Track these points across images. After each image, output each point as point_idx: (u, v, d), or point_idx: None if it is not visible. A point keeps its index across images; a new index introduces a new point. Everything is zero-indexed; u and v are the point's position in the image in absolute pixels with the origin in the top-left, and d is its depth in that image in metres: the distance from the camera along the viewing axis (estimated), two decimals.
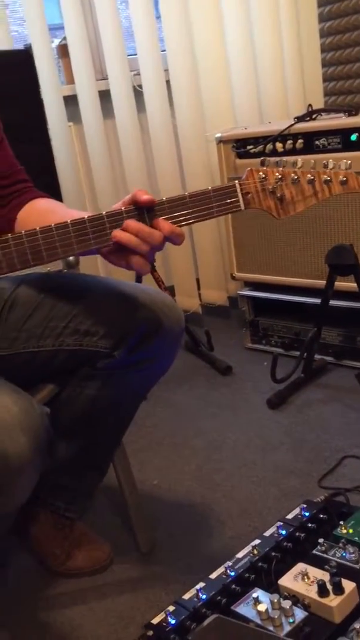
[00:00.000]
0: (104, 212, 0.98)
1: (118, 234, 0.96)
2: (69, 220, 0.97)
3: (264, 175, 1.00)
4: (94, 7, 2.30)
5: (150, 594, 1.28)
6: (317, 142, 1.93)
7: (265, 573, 1.15)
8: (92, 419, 1.24)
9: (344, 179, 1.00)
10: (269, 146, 2.01)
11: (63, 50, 2.43)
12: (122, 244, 0.96)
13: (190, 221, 1.00)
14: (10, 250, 0.98)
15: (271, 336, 2.26)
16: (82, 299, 1.16)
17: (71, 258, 2.01)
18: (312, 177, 1.00)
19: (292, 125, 1.96)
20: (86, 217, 0.98)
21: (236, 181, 1.00)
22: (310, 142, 1.94)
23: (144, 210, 0.98)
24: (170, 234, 0.97)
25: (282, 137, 1.98)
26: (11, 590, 1.35)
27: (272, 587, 1.11)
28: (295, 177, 1.00)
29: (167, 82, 2.39)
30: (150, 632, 1.08)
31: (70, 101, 2.34)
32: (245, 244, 2.19)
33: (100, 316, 1.14)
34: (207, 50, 2.34)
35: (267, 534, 1.23)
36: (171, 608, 1.12)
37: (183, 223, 0.99)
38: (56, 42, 2.49)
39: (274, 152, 2.01)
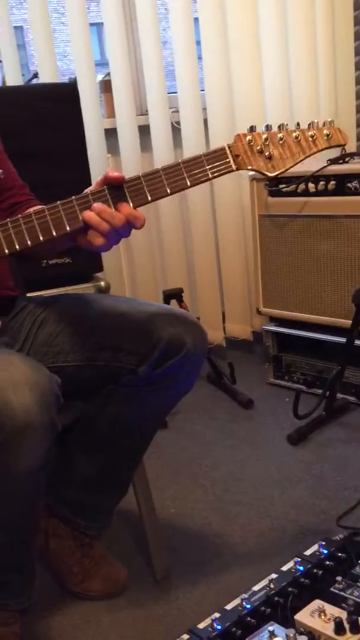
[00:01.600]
0: (73, 197, 1.04)
1: (86, 214, 1.02)
2: (45, 207, 1.04)
3: (251, 138, 1.05)
4: (139, 46, 2.39)
5: (164, 621, 1.28)
6: (349, 185, 1.97)
7: (281, 608, 1.15)
8: (114, 436, 1.26)
9: (328, 133, 1.04)
10: (302, 186, 2.06)
11: (106, 85, 2.53)
12: (88, 223, 1.01)
13: (188, 185, 1.04)
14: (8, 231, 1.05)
15: (294, 372, 2.27)
16: (109, 316, 1.21)
17: (102, 283, 2.07)
18: (297, 135, 1.05)
19: (325, 167, 2.00)
20: (58, 202, 1.04)
21: (225, 144, 1.05)
22: (342, 184, 1.98)
23: (110, 194, 1.03)
24: (129, 216, 1.02)
25: (315, 177, 2.02)
26: (27, 611, 1.35)
27: (287, 622, 1.11)
28: (281, 136, 1.05)
29: (205, 120, 2.46)
30: None
31: (110, 134, 2.42)
32: (273, 280, 2.22)
33: (125, 333, 1.18)
34: (245, 92, 2.41)
35: (284, 568, 1.23)
36: (185, 637, 1.12)
37: (178, 189, 1.04)
38: (99, 77, 2.58)
39: (306, 192, 2.05)
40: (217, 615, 1.16)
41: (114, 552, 1.43)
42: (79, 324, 1.21)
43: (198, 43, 2.38)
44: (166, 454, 1.93)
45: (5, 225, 1.04)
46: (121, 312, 1.21)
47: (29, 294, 1.39)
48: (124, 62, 2.32)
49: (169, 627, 1.26)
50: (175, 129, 2.48)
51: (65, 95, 1.90)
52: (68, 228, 1.04)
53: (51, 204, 1.05)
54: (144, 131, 2.45)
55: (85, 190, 1.05)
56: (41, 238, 1.04)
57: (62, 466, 1.25)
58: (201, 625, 1.15)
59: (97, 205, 1.02)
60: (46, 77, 2.26)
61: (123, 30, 2.31)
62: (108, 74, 2.50)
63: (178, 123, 2.48)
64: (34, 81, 2.46)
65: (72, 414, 1.23)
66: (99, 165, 2.28)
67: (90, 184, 2.23)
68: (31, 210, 1.06)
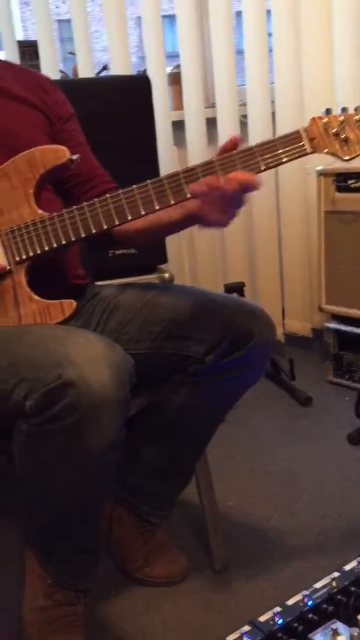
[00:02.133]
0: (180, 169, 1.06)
1: (193, 185, 1.02)
2: (148, 181, 1.06)
3: (327, 121, 1.03)
4: (209, 38, 2.39)
5: (222, 611, 1.30)
6: None
7: (343, 606, 1.14)
8: (180, 425, 1.28)
9: None
10: None
11: (174, 78, 2.54)
12: (196, 193, 1.02)
13: (262, 168, 1.03)
14: (96, 212, 1.09)
15: (355, 372, 2.24)
16: (179, 305, 1.22)
17: (166, 275, 2.08)
18: None
19: None
20: (164, 175, 1.06)
21: (300, 126, 1.04)
22: None
23: (218, 168, 1.03)
24: (244, 181, 1.00)
25: None
26: (89, 593, 1.38)
27: (350, 621, 1.10)
28: (358, 118, 1.02)
29: (273, 113, 2.44)
30: None
31: (176, 126, 2.44)
32: (336, 277, 2.19)
33: (194, 322, 1.19)
34: (315, 86, 2.38)
35: (347, 567, 1.22)
36: (246, 628, 1.13)
37: (255, 172, 1.02)
38: (167, 69, 2.60)
39: None
40: (278, 609, 1.16)
41: (174, 541, 1.45)
42: (149, 312, 1.23)
43: (269, 35, 2.37)
44: (224, 447, 1.93)
45: (105, 201, 1.08)
46: (191, 301, 1.22)
47: (96, 283, 1.42)
48: (194, 54, 2.32)
49: (227, 618, 1.28)
50: (242, 122, 2.47)
51: (138, 88, 1.92)
52: (172, 201, 1.06)
53: (154, 179, 1.07)
54: (211, 124, 2.46)
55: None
56: (142, 211, 1.07)
57: (127, 455, 1.27)
58: (262, 618, 1.15)
59: (207, 177, 1.02)
60: (117, 69, 2.28)
61: (195, 23, 2.31)
62: (176, 67, 2.51)
63: (245, 116, 2.47)
64: (103, 73, 2.49)
65: (140, 403, 1.25)
66: (166, 158, 2.30)
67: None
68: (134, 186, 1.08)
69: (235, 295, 2.28)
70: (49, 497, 1.10)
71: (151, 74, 2.18)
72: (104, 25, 2.26)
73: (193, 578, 1.40)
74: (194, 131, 2.40)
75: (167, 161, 2.33)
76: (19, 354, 1.02)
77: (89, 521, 1.16)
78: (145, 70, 2.40)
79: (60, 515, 1.12)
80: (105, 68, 2.53)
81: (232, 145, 1.03)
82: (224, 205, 1.02)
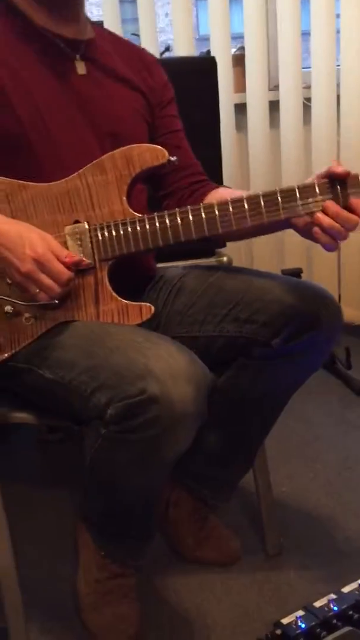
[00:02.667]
0: (296, 185, 1.06)
1: (320, 215, 1.03)
2: (260, 192, 1.07)
3: None
4: (275, 19, 2.35)
5: (276, 595, 1.31)
6: None
7: None
8: (243, 410, 1.28)
9: None
10: None
11: (237, 60, 2.51)
12: (321, 226, 1.03)
13: None
14: (188, 221, 1.09)
15: None
16: (244, 288, 1.21)
17: (224, 259, 2.08)
18: None
19: None
20: (277, 188, 1.07)
21: None
22: None
23: (338, 185, 1.03)
24: None
25: None
26: (142, 567, 1.42)
27: None
28: None
29: (338, 97, 2.39)
30: (279, 631, 1.11)
31: (237, 109, 2.41)
32: None
33: (261, 305, 1.18)
34: None
35: None
36: (301, 613, 1.14)
37: None
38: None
39: None
40: (333, 596, 1.17)
41: (227, 524, 1.47)
42: (214, 295, 1.23)
43: (338, 16, 2.31)
44: (277, 434, 1.91)
45: (197, 210, 1.08)
46: (257, 284, 1.21)
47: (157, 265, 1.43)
48: (259, 35, 2.29)
49: (280, 602, 1.29)
50: (306, 106, 2.43)
51: (203, 69, 1.91)
52: (282, 216, 1.07)
53: (269, 191, 1.07)
54: (273, 107, 2.42)
55: (307, 181, 1.07)
56: (234, 227, 1.08)
57: None
58: (317, 604, 1.16)
59: (331, 205, 1.03)
60: (180, 50, 2.27)
61: (260, 3, 2.27)
62: (239, 48, 2.48)
63: (309, 100, 2.42)
64: (166, 54, 2.48)
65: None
66: (227, 141, 2.29)
67: (220, 163, 2.22)
68: (244, 195, 1.08)
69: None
70: (113, 491, 1.13)
71: (217, 56, 2.15)
72: (160, 7, 2.25)
73: (246, 562, 1.41)
74: (256, 114, 2.37)
75: (230, 145, 2.32)
76: (100, 357, 1.03)
77: (147, 512, 1.19)
78: (208, 52, 2.38)
79: (121, 507, 1.15)
80: (167, 49, 2.52)
81: (344, 174, 1.03)
82: (339, 234, 1.04)
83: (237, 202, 1.08)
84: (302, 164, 2.43)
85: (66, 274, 1.05)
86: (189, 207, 1.09)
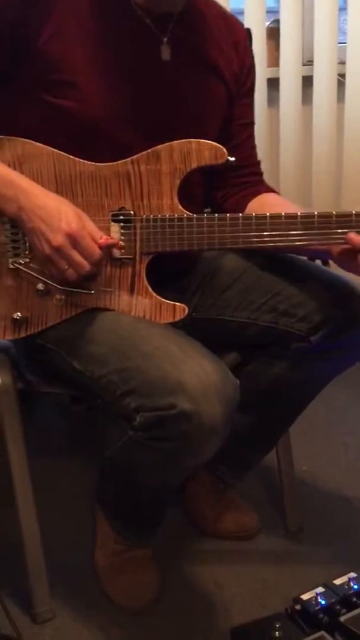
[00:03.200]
0: (334, 212, 1.03)
1: (353, 236, 1.01)
2: (299, 212, 1.03)
3: None
4: None
5: (296, 571, 1.32)
6: None
7: None
8: (272, 397, 1.28)
9: None
10: None
11: (270, 33, 2.46)
12: (355, 246, 1.01)
13: None
14: (237, 228, 1.06)
15: None
16: (286, 278, 1.19)
17: None
18: None
19: None
20: (316, 212, 1.03)
21: None
22: None
23: None
24: None
25: None
26: (160, 540, 1.44)
27: None
28: None
29: None
30: (299, 607, 1.12)
31: (269, 84, 2.37)
32: None
33: (301, 299, 1.16)
34: None
35: None
36: (321, 589, 1.15)
37: None
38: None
39: None
40: (353, 574, 1.18)
41: (247, 499, 1.48)
42: (252, 281, 1.21)
43: None
44: (301, 415, 1.93)
45: (249, 219, 1.05)
46: (299, 276, 1.18)
47: None
48: (295, 7, 2.23)
49: (300, 578, 1.30)
50: (340, 82, 2.38)
51: None
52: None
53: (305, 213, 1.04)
54: (306, 83, 2.38)
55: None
56: (282, 244, 1.06)
57: None
58: (337, 582, 1.17)
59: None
60: None
61: None
62: (273, 21, 2.43)
63: (343, 76, 2.37)
64: None
65: (229, 362, 1.25)
66: (259, 116, 2.24)
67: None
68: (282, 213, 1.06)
69: (318, 262, 2.26)
70: (129, 485, 1.15)
71: (252, 29, 2.11)
72: None
73: (266, 537, 1.42)
74: (289, 89, 2.32)
75: (261, 120, 2.28)
76: (132, 361, 1.01)
77: (160, 504, 1.22)
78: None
79: (134, 498, 1.18)
80: None
81: None
82: None
83: (291, 217, 1.05)
84: (334, 141, 2.39)
85: (98, 253, 1.03)
86: (240, 215, 1.06)
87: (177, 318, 1.09)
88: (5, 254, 1.10)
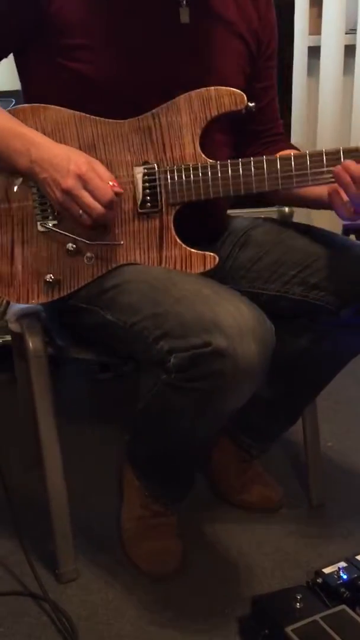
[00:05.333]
0: (324, 149, 1.05)
1: (337, 169, 1.01)
2: (292, 153, 1.05)
3: None
4: None
5: (318, 544, 1.33)
6: None
7: None
8: (298, 368, 1.27)
9: None
10: None
11: (312, 0, 2.39)
12: (337, 180, 1.02)
13: None
14: (262, 171, 1.07)
15: None
16: (316, 251, 1.18)
17: (286, 209, 2.04)
18: None
19: None
20: (341, 148, 1.04)
21: None
22: None
23: None
24: None
25: None
26: (184, 508, 1.45)
27: None
28: None
29: None
30: (320, 580, 1.13)
31: (310, 52, 2.31)
32: None
33: (332, 272, 1.15)
34: None
35: None
36: (343, 564, 1.16)
37: None
38: None
39: None
40: None
41: (271, 473, 1.48)
42: (282, 253, 1.20)
43: None
44: (326, 390, 1.91)
45: (273, 163, 1.06)
46: (330, 249, 1.17)
47: None
48: None
49: (322, 551, 1.30)
50: None
51: (281, 8, 1.81)
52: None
53: (299, 154, 1.05)
54: (348, 52, 2.31)
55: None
56: (309, 182, 1.05)
57: None
58: (359, 557, 1.18)
59: (349, 162, 1.01)
60: None
61: None
62: None
63: None
64: None
65: None
66: (298, 86, 2.20)
67: (291, 106, 2.15)
68: (284, 154, 1.07)
69: (352, 237, 2.22)
70: (165, 436, 1.14)
71: None
72: None
73: (289, 510, 1.43)
74: (331, 58, 2.26)
75: (301, 90, 2.23)
76: (164, 306, 1.01)
77: (194, 457, 1.22)
78: None
79: (168, 452, 1.17)
80: None
81: None
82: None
83: (317, 155, 1.05)
84: None
85: (109, 193, 1.04)
86: (264, 157, 1.06)
87: (208, 267, 1.09)
88: (34, 217, 1.11)
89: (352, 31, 2.34)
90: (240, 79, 1.19)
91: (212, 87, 1.07)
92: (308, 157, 1.05)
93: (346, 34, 2.31)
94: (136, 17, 1.09)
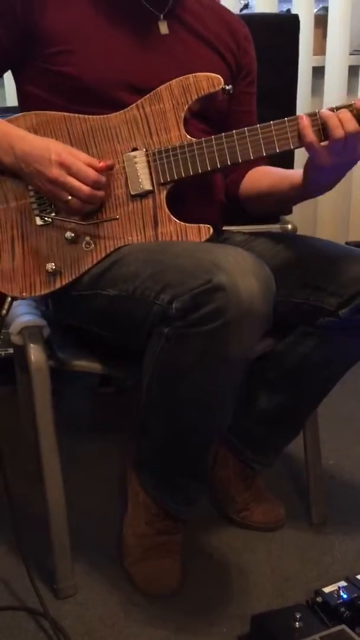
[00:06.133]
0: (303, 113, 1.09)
1: (326, 113, 1.06)
2: (272, 122, 1.09)
3: None
4: None
5: (318, 564, 1.31)
6: None
7: None
8: (299, 377, 1.27)
9: None
10: None
11: (317, 20, 2.42)
12: (327, 122, 1.04)
13: None
14: (245, 141, 1.10)
15: None
16: (314, 254, 1.20)
17: (289, 226, 2.04)
18: None
19: None
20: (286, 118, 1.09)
21: None
22: None
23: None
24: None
25: None
26: (188, 522, 1.44)
27: None
28: None
29: None
30: (320, 599, 1.12)
31: (314, 72, 2.33)
32: None
33: (331, 273, 1.16)
34: None
35: None
36: (343, 583, 1.15)
37: None
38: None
39: None
40: None
41: (272, 491, 1.47)
42: (281, 260, 1.21)
43: None
44: (327, 407, 1.89)
45: (254, 130, 1.09)
46: (327, 252, 1.19)
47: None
48: None
49: (323, 571, 1.29)
50: None
51: (286, 28, 1.85)
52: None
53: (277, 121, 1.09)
54: (352, 72, 2.33)
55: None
56: (292, 146, 1.08)
57: (241, 398, 1.28)
58: None
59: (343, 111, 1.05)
60: (262, 7, 2.20)
61: None
62: (321, 8, 2.39)
63: None
64: (244, 12, 2.41)
65: (262, 348, 1.25)
66: (303, 106, 2.22)
67: None
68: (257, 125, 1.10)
69: None
70: (175, 408, 1.10)
71: (300, 15, 2.08)
72: None
73: (290, 528, 1.42)
74: (335, 78, 2.29)
75: (304, 110, 2.25)
76: (164, 262, 1.04)
77: (205, 444, 1.18)
78: (288, 10, 2.30)
79: (181, 430, 1.13)
80: (246, 6, 2.45)
81: None
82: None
83: (294, 120, 1.08)
84: None
85: (93, 174, 1.09)
86: (245, 128, 1.10)
87: (204, 238, 1.12)
88: (32, 212, 1.16)
89: (356, 52, 2.37)
90: None
91: (191, 74, 1.14)
92: (287, 121, 1.08)
93: (350, 54, 2.34)
94: (119, 26, 1.18)
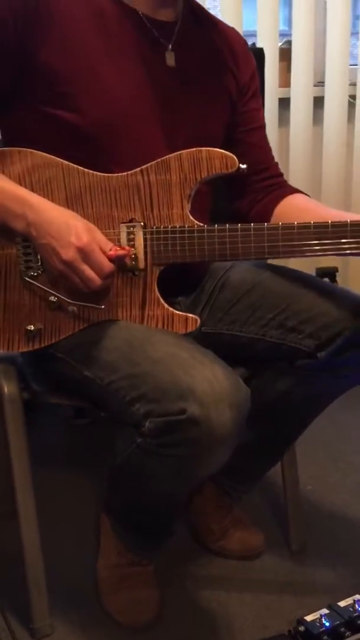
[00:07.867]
0: (348, 220, 1.02)
1: None
2: (312, 222, 1.03)
3: None
4: (322, 14, 2.32)
5: (299, 592, 1.30)
6: None
7: None
8: (278, 412, 1.26)
9: None
10: None
11: (282, 53, 2.48)
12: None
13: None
14: (249, 239, 1.05)
15: None
16: (294, 294, 1.18)
17: None
18: None
19: None
20: (330, 222, 1.02)
21: None
22: None
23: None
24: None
25: None
26: (162, 556, 1.42)
27: None
28: None
29: None
30: (302, 628, 1.10)
31: (280, 104, 2.38)
32: None
33: (309, 315, 1.15)
34: None
35: None
36: (325, 611, 1.14)
37: None
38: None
39: None
40: (358, 597, 1.16)
41: (250, 518, 1.46)
42: (260, 296, 1.20)
43: None
44: (306, 433, 1.91)
45: (260, 230, 1.05)
46: (306, 291, 1.17)
47: None
48: (308, 29, 2.26)
49: (303, 599, 1.28)
50: (350, 103, 2.40)
51: None
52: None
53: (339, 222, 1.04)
54: (317, 103, 2.39)
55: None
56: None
57: None
58: (342, 604, 1.15)
59: None
60: None
61: None
62: (285, 42, 2.45)
63: (354, 97, 2.39)
64: None
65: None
66: (270, 136, 2.24)
67: None
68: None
69: (326, 280, 2.25)
70: (138, 494, 1.14)
71: (265, 49, 2.14)
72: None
73: (269, 556, 1.40)
74: (300, 110, 2.34)
75: (272, 140, 2.28)
76: (142, 367, 1.01)
77: (172, 512, 1.20)
78: (254, 44, 2.35)
79: (144, 508, 1.16)
80: None
81: None
82: None
83: (304, 228, 1.03)
84: (344, 161, 2.40)
85: (108, 266, 1.02)
86: (252, 225, 1.05)
87: (190, 329, 1.08)
88: (18, 267, 1.10)
89: (320, 84, 2.43)
90: (222, 129, 1.21)
91: (204, 148, 1.06)
92: (296, 228, 1.03)
93: (314, 86, 2.40)
94: (121, 63, 1.08)
